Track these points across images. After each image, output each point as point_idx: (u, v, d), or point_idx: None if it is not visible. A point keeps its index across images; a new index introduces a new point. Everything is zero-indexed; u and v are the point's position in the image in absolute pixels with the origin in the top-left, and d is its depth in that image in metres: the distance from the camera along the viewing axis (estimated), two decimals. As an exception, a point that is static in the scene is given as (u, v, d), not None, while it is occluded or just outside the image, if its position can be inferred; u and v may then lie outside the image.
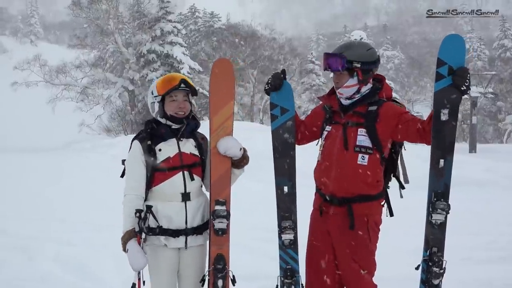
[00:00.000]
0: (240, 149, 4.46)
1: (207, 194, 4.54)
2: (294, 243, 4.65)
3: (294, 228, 4.66)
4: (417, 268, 4.44)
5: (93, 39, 41.65)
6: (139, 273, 4.16)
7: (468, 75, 4.08)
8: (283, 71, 4.70)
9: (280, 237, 4.67)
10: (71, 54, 42.50)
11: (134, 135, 4.51)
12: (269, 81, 4.65)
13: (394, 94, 4.88)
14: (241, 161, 4.52)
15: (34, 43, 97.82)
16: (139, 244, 4.11)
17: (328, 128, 4.56)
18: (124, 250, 4.12)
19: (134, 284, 4.17)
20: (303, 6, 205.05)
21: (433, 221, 4.29)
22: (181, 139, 4.35)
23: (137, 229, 4.12)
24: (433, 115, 4.22)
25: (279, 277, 4.66)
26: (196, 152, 4.42)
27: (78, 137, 35.02)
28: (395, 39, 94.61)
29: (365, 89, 4.41)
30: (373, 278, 4.51)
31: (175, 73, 4.42)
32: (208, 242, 4.49)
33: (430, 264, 4.33)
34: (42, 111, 42.78)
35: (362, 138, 4.35)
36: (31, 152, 24.67)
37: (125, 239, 4.11)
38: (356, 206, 4.37)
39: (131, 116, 39.40)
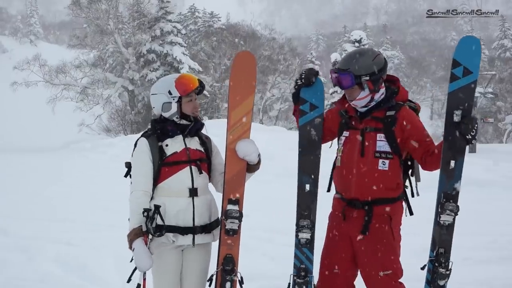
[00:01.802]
0: (258, 155, 4.47)
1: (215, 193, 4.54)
2: (310, 242, 4.64)
3: (311, 228, 4.64)
4: (422, 268, 4.44)
5: (93, 39, 41.65)
6: (144, 273, 4.13)
7: (476, 125, 4.09)
8: (317, 71, 4.68)
9: (296, 235, 4.66)
10: (71, 54, 42.53)
11: (134, 134, 4.51)
12: (302, 76, 4.60)
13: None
14: (256, 166, 4.54)
15: (33, 43, 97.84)
16: (146, 243, 4.07)
17: (346, 133, 4.52)
18: (130, 248, 4.08)
19: (139, 285, 4.14)
20: (303, 6, 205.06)
21: (441, 222, 4.29)
22: (187, 136, 4.35)
23: (144, 228, 4.08)
24: (445, 115, 4.24)
25: (291, 276, 4.66)
26: (202, 149, 4.43)
27: (78, 137, 35.06)
28: (395, 39, 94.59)
29: (378, 95, 4.36)
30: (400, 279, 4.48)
31: (189, 75, 4.42)
32: (216, 241, 4.49)
33: (436, 264, 4.34)
34: (41, 111, 42.84)
35: (382, 143, 4.33)
36: (31, 152, 24.70)
37: (132, 237, 4.07)
38: (378, 208, 4.37)
39: (131, 116, 39.43)
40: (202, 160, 4.40)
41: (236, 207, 4.44)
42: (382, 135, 4.33)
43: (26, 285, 6.56)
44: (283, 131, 27.79)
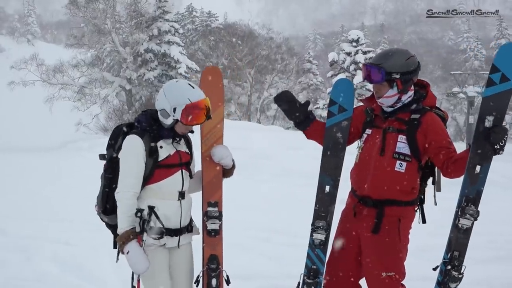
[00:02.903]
0: (232, 159, 4.56)
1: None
2: (324, 244, 4.67)
3: (327, 229, 4.67)
4: (434, 269, 4.46)
5: (90, 38, 41.58)
6: (139, 275, 4.09)
7: (506, 136, 4.08)
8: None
9: (311, 235, 4.68)
10: (68, 54, 42.48)
11: (132, 135, 4.43)
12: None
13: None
14: (230, 170, 4.64)
15: (31, 42, 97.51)
16: (140, 245, 4.01)
17: (368, 131, 4.55)
18: (122, 251, 4.02)
19: (134, 287, 4.13)
20: (300, 6, 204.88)
21: (460, 225, 4.32)
22: (176, 138, 4.31)
23: (138, 229, 4.02)
24: (477, 119, 4.24)
25: (302, 275, 4.69)
26: (188, 151, 4.42)
27: (75, 136, 35.00)
28: (392, 39, 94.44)
29: (405, 97, 4.38)
30: (402, 282, 4.50)
31: (204, 105, 4.19)
32: (198, 237, 4.52)
33: (449, 267, 4.36)
34: (39, 110, 42.74)
35: (402, 145, 4.34)
36: (29, 151, 24.69)
37: (124, 240, 4.00)
38: (388, 208, 4.37)
39: (128, 115, 39.34)
40: (189, 163, 4.41)
41: (215, 209, 4.54)
42: (404, 137, 4.34)
43: (25, 285, 6.57)
44: (281, 131, 27.79)
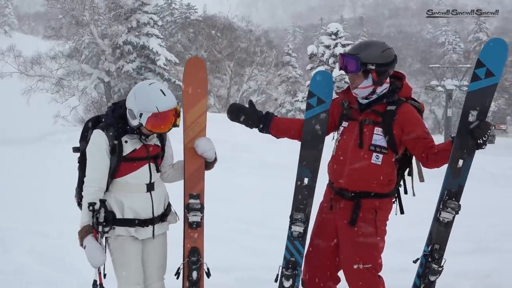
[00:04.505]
0: (215, 152, 4.57)
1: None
2: (302, 236, 4.68)
3: (305, 222, 4.68)
4: (415, 262, 4.50)
5: (68, 30, 41.14)
6: (99, 268, 4.12)
7: (489, 131, 4.11)
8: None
9: (290, 228, 4.69)
10: (46, 45, 42.03)
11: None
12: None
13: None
14: (212, 163, 4.64)
15: (8, 33, 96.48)
16: (96, 239, 4.04)
17: (344, 124, 4.55)
18: (81, 245, 4.05)
19: (95, 281, 4.15)
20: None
21: (441, 219, 4.37)
22: (142, 137, 4.29)
23: (90, 222, 4.06)
24: (461, 114, 4.27)
25: (280, 267, 4.70)
26: (158, 143, 4.41)
27: (54, 128, 34.74)
28: (371, 32, 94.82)
29: (380, 89, 4.38)
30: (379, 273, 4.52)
31: (170, 117, 4.13)
32: (174, 225, 4.55)
33: (429, 260, 4.40)
34: (16, 102, 42.34)
35: (378, 137, 4.35)
36: (6, 143, 24.44)
37: (82, 235, 4.05)
38: (365, 201, 4.39)
39: (107, 107, 39.11)
40: (159, 156, 4.41)
41: (197, 201, 4.54)
42: (380, 129, 4.35)
43: (2, 278, 6.50)
44: (260, 123, 27.71)
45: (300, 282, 4.73)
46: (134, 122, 4.17)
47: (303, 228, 4.66)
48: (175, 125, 4.18)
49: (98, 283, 4.15)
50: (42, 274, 6.68)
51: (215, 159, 4.63)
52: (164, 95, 4.14)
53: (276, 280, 4.71)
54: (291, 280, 4.64)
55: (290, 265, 4.65)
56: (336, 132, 4.66)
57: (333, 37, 41.91)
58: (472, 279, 6.63)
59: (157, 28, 40.60)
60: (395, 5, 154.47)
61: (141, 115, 4.10)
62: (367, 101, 4.44)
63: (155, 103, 4.08)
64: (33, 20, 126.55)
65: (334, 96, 4.77)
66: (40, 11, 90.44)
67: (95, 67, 40.10)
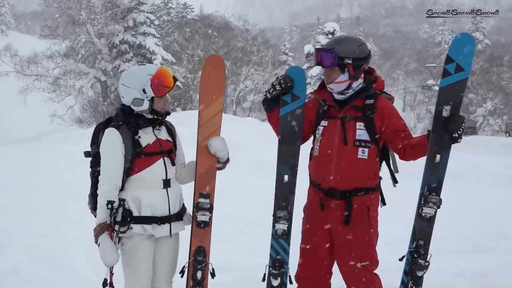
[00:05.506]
0: (228, 153, 4.56)
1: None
2: (287, 233, 4.66)
3: (289, 219, 4.66)
4: (401, 259, 4.50)
5: (65, 29, 41.12)
6: (111, 267, 4.10)
7: (463, 124, 4.16)
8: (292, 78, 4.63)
9: (273, 226, 4.68)
10: (43, 45, 41.97)
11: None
12: (281, 82, 4.54)
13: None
14: (224, 164, 4.63)
15: (4, 33, 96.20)
16: (111, 238, 4.04)
17: (324, 123, 4.53)
18: (96, 242, 4.04)
19: (105, 280, 4.12)
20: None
21: (423, 214, 4.40)
22: (157, 127, 4.34)
23: (108, 221, 4.06)
24: (435, 109, 4.32)
25: (267, 266, 4.68)
26: (170, 138, 4.44)
27: (50, 128, 34.72)
28: (368, 31, 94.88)
29: (356, 84, 4.39)
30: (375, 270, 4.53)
31: (165, 72, 4.29)
32: (188, 227, 4.53)
33: (415, 256, 4.41)
34: (13, 102, 42.28)
35: (361, 132, 4.36)
36: (3, 143, 24.44)
37: (97, 232, 4.04)
38: (356, 198, 4.40)
39: (103, 107, 39.12)
40: (172, 151, 4.42)
41: (207, 200, 4.52)
42: (362, 123, 4.36)
43: (-1, 277, 6.51)
44: (257, 123, 27.77)
45: (293, 278, 4.72)
46: (144, 106, 4.21)
47: (287, 225, 4.64)
48: (174, 78, 4.28)
49: (108, 282, 4.13)
50: (39, 274, 6.66)
51: (228, 160, 4.62)
52: (145, 65, 4.33)
53: (263, 280, 4.69)
54: (279, 279, 4.62)
55: (277, 264, 4.63)
56: (315, 133, 4.61)
57: (330, 36, 41.90)
58: (469, 279, 6.64)
59: (153, 27, 40.57)
60: (392, 4, 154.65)
61: (144, 90, 4.18)
62: (342, 96, 4.44)
63: (145, 72, 4.22)
64: (30, 19, 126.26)
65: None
66: (37, 10, 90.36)
67: (92, 66, 40.09)
